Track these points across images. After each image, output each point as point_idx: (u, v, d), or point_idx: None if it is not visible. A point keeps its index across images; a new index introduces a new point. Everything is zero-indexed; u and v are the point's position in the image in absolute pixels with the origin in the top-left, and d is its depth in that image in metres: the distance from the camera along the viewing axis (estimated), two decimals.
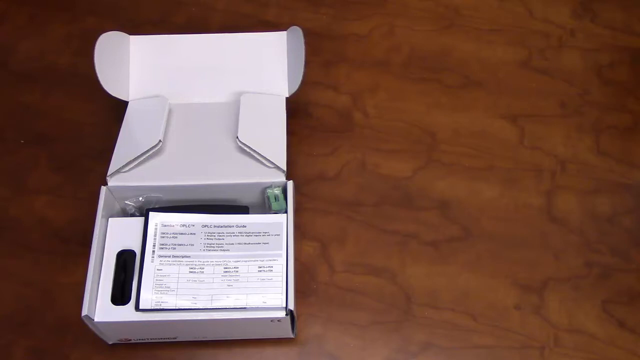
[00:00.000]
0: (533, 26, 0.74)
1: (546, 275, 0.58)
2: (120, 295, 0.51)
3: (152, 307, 0.50)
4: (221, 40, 0.64)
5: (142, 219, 0.54)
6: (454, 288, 0.57)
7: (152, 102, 0.61)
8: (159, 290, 0.50)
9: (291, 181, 0.55)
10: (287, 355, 0.54)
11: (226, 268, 0.51)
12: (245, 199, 0.57)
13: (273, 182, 0.56)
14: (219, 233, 0.53)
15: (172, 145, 0.58)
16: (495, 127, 0.67)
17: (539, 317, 0.55)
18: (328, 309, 0.56)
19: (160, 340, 0.54)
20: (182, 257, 0.52)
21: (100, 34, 0.59)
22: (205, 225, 0.53)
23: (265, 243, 0.53)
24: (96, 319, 0.49)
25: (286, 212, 0.54)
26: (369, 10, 0.76)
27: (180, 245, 0.52)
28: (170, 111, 0.60)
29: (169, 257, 0.52)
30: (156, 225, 0.53)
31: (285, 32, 0.63)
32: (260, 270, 0.51)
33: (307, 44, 0.59)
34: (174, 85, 0.62)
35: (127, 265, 0.52)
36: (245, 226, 0.54)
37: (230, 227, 0.53)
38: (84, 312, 0.48)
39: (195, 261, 0.52)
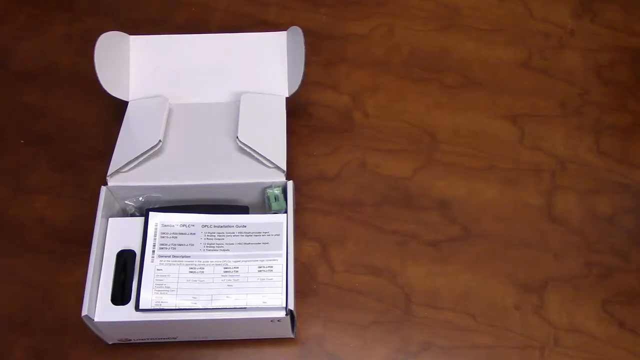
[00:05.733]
0: (533, 26, 0.74)
1: (546, 275, 0.58)
2: (120, 295, 0.51)
3: (152, 307, 0.50)
4: (221, 40, 0.64)
5: (142, 219, 0.54)
6: (454, 288, 0.57)
7: (152, 102, 0.61)
8: (159, 290, 0.50)
9: (291, 181, 0.55)
10: (287, 355, 0.54)
11: (226, 268, 0.51)
12: (245, 199, 0.57)
13: (273, 182, 0.56)
14: (219, 233, 0.53)
15: (172, 145, 0.58)
16: (495, 127, 0.67)
17: (539, 317, 0.55)
18: (328, 309, 0.56)
19: (160, 340, 0.54)
20: (182, 257, 0.52)
21: (100, 34, 0.59)
22: (205, 225, 0.53)
23: (265, 243, 0.53)
24: (96, 319, 0.49)
25: (286, 212, 0.54)
26: (369, 10, 0.76)
27: (180, 245, 0.52)
28: (170, 111, 0.60)
29: (169, 257, 0.52)
30: (156, 225, 0.53)
31: (285, 32, 0.63)
32: (260, 270, 0.51)
33: (307, 44, 0.59)
34: (174, 85, 0.62)
35: (127, 265, 0.52)
36: (245, 226, 0.54)
37: (230, 227, 0.53)
38: (84, 312, 0.48)
39: (195, 261, 0.52)
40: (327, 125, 0.67)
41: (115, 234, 0.53)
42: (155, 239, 0.53)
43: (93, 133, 0.66)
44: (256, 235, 0.53)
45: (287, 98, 0.62)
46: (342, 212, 0.61)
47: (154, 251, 0.52)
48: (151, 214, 0.54)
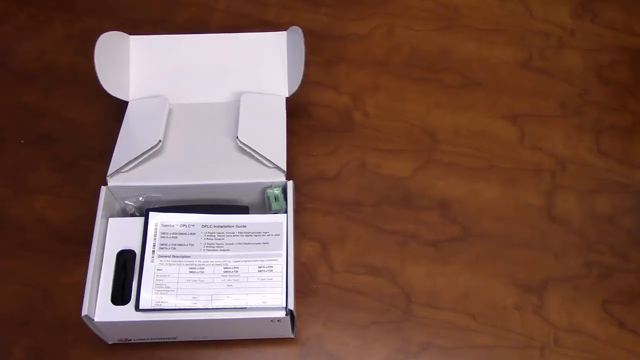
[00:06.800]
0: (533, 26, 0.74)
1: (546, 275, 0.58)
2: (120, 295, 0.51)
3: (152, 307, 0.50)
4: (221, 40, 0.64)
5: (142, 219, 0.54)
6: (454, 288, 0.57)
7: (152, 102, 0.61)
8: (159, 290, 0.50)
9: (291, 181, 0.55)
10: (287, 355, 0.54)
11: (226, 268, 0.52)
12: (245, 199, 0.57)
13: (273, 182, 0.56)
14: (219, 233, 0.53)
15: (172, 145, 0.58)
16: (495, 127, 0.67)
17: (539, 317, 0.56)
18: (328, 309, 0.56)
19: (160, 340, 0.54)
20: (182, 257, 0.52)
21: (100, 34, 0.59)
22: (205, 225, 0.53)
23: (265, 243, 0.53)
24: (96, 319, 0.49)
25: (286, 212, 0.54)
26: (369, 10, 0.76)
27: (180, 245, 0.52)
28: (170, 111, 0.60)
29: (169, 257, 0.52)
30: (156, 225, 0.53)
31: (285, 32, 0.63)
32: (260, 270, 0.51)
33: (307, 44, 0.59)
34: (174, 85, 0.62)
35: (127, 265, 0.52)
36: (245, 226, 0.54)
37: (230, 227, 0.53)
38: (84, 312, 0.48)
39: (195, 261, 0.52)
40: (327, 125, 0.67)
41: (115, 234, 0.53)
42: (155, 239, 0.53)
43: (93, 133, 0.66)
44: (256, 235, 0.53)
45: (287, 98, 0.62)
46: (342, 212, 0.61)
47: (154, 251, 0.52)
48: (151, 214, 0.54)
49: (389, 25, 0.74)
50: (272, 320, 0.50)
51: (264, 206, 0.57)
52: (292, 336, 0.54)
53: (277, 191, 0.56)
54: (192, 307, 0.50)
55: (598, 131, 0.66)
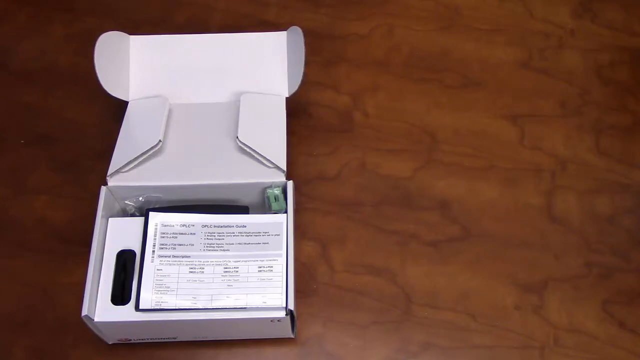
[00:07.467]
0: (533, 26, 0.74)
1: (546, 275, 0.58)
2: (120, 295, 0.51)
3: (152, 307, 0.50)
4: (221, 40, 0.64)
5: (142, 219, 0.54)
6: (454, 288, 0.57)
7: (152, 102, 0.61)
8: (159, 290, 0.50)
9: (291, 181, 0.55)
10: (287, 355, 0.54)
11: (226, 268, 0.52)
12: (245, 199, 0.57)
13: (273, 182, 0.56)
14: (219, 233, 0.53)
15: (172, 145, 0.58)
16: (495, 127, 0.67)
17: (539, 317, 0.56)
18: (328, 309, 0.56)
19: (160, 340, 0.54)
20: (182, 257, 0.52)
21: (100, 34, 0.59)
22: (205, 225, 0.53)
23: (265, 243, 0.53)
24: (96, 319, 0.49)
25: (286, 212, 0.54)
26: (369, 10, 0.76)
27: (180, 245, 0.52)
28: (170, 111, 0.60)
29: (169, 257, 0.52)
30: (156, 225, 0.53)
31: (285, 32, 0.63)
32: (260, 270, 0.51)
33: (307, 44, 0.59)
34: (174, 85, 0.62)
35: (127, 265, 0.52)
36: (245, 226, 0.54)
37: (230, 227, 0.53)
38: (84, 312, 0.48)
39: (195, 261, 0.52)
40: (327, 125, 0.67)
41: (115, 234, 0.53)
42: (155, 239, 0.53)
43: (93, 133, 0.66)
44: (256, 235, 0.53)
45: (287, 98, 0.62)
46: (342, 212, 0.61)
47: (154, 251, 0.52)
48: (151, 214, 0.54)
49: (389, 25, 0.74)
50: (272, 320, 0.50)
51: (264, 206, 0.57)
52: (292, 336, 0.54)
53: (277, 191, 0.56)
54: (192, 307, 0.50)
55: (598, 131, 0.66)
